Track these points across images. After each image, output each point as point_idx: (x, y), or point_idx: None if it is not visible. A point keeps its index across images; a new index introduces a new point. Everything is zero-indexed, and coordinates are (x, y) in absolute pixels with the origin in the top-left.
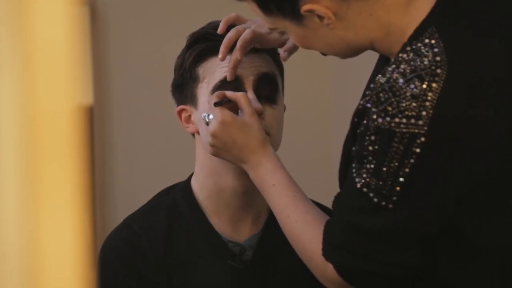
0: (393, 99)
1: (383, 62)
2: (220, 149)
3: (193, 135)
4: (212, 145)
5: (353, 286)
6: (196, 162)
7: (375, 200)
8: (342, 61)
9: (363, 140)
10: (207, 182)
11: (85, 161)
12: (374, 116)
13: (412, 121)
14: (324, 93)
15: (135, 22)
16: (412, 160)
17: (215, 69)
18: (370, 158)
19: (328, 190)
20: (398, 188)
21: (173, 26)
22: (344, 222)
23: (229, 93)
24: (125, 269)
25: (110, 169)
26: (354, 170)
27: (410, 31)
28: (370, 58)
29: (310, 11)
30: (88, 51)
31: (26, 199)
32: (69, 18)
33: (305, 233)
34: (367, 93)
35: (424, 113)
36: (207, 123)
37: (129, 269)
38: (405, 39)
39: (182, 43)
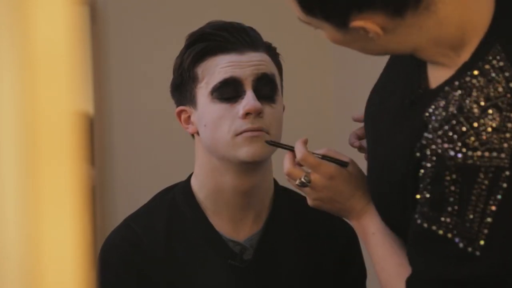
0: (471, 132)
1: (404, 60)
2: (325, 201)
3: (193, 135)
4: (315, 199)
5: None
6: (196, 162)
7: (461, 245)
8: (342, 61)
9: (439, 182)
10: (207, 181)
11: (85, 161)
12: (452, 153)
13: (495, 154)
14: (324, 93)
15: (135, 22)
16: (499, 196)
17: (215, 70)
18: (451, 199)
19: None
20: (485, 231)
21: (173, 26)
22: (428, 275)
23: (316, 152)
24: (125, 268)
25: (110, 169)
26: (427, 217)
27: (467, 46)
28: (369, 58)
29: (360, 28)
30: (88, 51)
31: (26, 199)
32: (69, 18)
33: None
34: (431, 124)
35: (505, 145)
36: (307, 185)
37: (129, 268)
38: (459, 52)
39: (182, 43)
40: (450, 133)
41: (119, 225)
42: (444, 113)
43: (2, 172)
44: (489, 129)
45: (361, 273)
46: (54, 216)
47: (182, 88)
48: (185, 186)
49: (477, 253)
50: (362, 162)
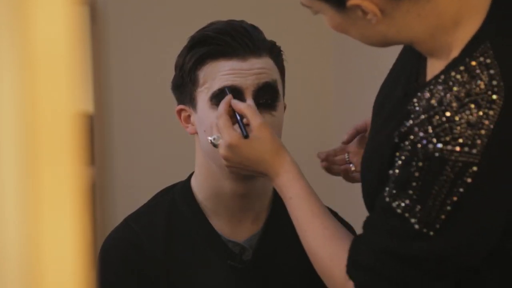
0: (446, 125)
1: (411, 52)
2: (237, 167)
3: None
4: (228, 166)
5: None
6: (196, 163)
7: (416, 226)
8: (342, 60)
9: (408, 166)
10: (206, 183)
11: (85, 161)
12: (424, 142)
13: (466, 149)
14: (324, 93)
15: (135, 22)
16: (461, 189)
17: (215, 76)
18: (414, 184)
19: (327, 189)
20: (443, 217)
21: (174, 26)
22: (376, 244)
23: (236, 107)
24: (125, 268)
25: (110, 169)
26: (391, 194)
27: (459, 42)
28: (370, 58)
29: (357, 6)
30: (88, 51)
31: (26, 199)
32: (69, 18)
33: (324, 250)
34: (413, 113)
35: (478, 141)
36: (215, 146)
37: (129, 268)
38: (452, 47)
39: (182, 43)
40: (426, 123)
41: (119, 224)
42: (426, 105)
43: (2, 172)
44: (464, 124)
45: None
46: (54, 216)
47: (182, 89)
48: (184, 186)
49: (431, 233)
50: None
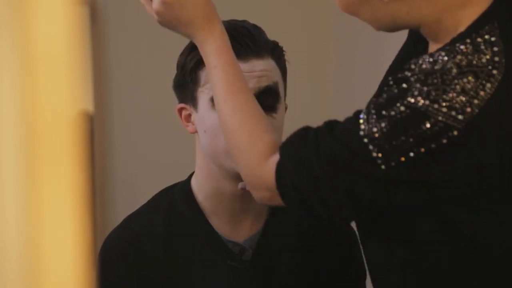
0: (440, 86)
1: (413, 41)
2: (167, 25)
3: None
4: (159, 22)
5: (277, 192)
6: (196, 163)
7: (373, 154)
8: (342, 60)
9: (391, 103)
10: (206, 184)
11: (85, 161)
12: (415, 92)
13: (453, 113)
14: (325, 93)
15: (135, 22)
16: (433, 145)
17: None
18: (387, 121)
19: None
20: (402, 159)
21: None
22: (326, 147)
23: None
24: (124, 269)
25: (110, 169)
26: (368, 113)
27: (465, 20)
28: (372, 58)
29: None
30: (88, 51)
31: (26, 199)
32: (69, 18)
33: (242, 125)
34: (413, 68)
35: (468, 109)
36: None
37: (128, 269)
38: (457, 29)
39: (183, 43)
40: (423, 79)
41: (119, 225)
42: (426, 66)
43: (2, 172)
44: (459, 90)
45: (361, 273)
46: (54, 216)
47: (184, 88)
48: (184, 186)
49: (383, 167)
50: None
